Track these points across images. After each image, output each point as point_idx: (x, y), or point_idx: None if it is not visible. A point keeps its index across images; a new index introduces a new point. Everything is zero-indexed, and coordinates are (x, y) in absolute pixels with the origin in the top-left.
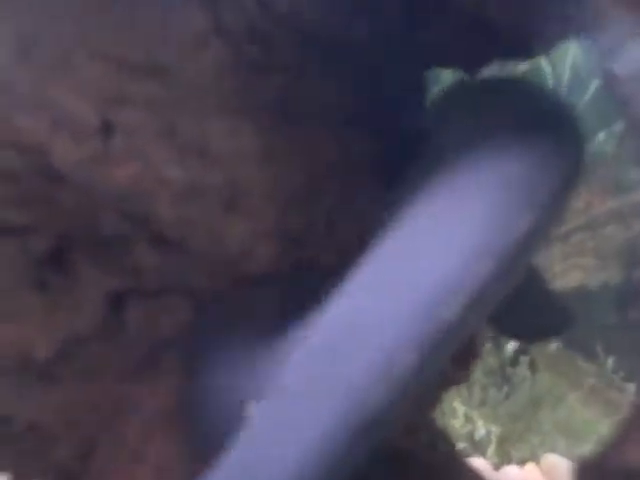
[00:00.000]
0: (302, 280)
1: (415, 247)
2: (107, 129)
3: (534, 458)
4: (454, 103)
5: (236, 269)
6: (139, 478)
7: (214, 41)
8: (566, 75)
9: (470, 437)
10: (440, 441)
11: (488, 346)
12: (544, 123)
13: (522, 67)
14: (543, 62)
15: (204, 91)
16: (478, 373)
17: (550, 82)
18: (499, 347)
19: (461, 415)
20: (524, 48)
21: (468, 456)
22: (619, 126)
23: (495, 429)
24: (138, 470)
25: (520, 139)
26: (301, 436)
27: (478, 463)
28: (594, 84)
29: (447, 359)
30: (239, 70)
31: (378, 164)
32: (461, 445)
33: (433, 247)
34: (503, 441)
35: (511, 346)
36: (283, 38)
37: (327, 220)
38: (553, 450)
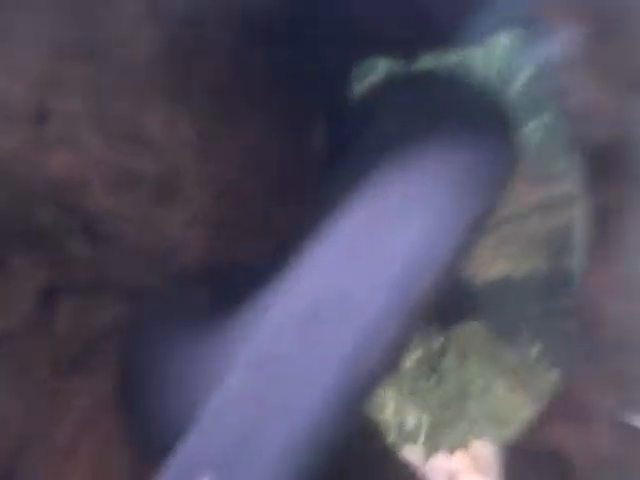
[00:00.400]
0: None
1: (373, 229)
2: (41, 115)
3: (463, 445)
4: (385, 95)
5: (172, 260)
6: (70, 476)
7: (149, 27)
8: (497, 66)
9: (401, 427)
10: (373, 435)
11: (417, 337)
12: (477, 115)
13: (454, 58)
14: (475, 53)
15: (139, 77)
16: (407, 364)
17: (481, 73)
18: (428, 337)
19: (391, 406)
20: (456, 39)
21: (399, 446)
22: (548, 117)
23: (425, 418)
24: (69, 468)
25: (454, 129)
26: (288, 413)
27: (409, 452)
28: (525, 75)
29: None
30: (174, 56)
31: (312, 154)
32: (392, 435)
33: (393, 231)
34: (433, 430)
35: (440, 336)
36: (218, 24)
37: (264, 208)
38: (481, 437)
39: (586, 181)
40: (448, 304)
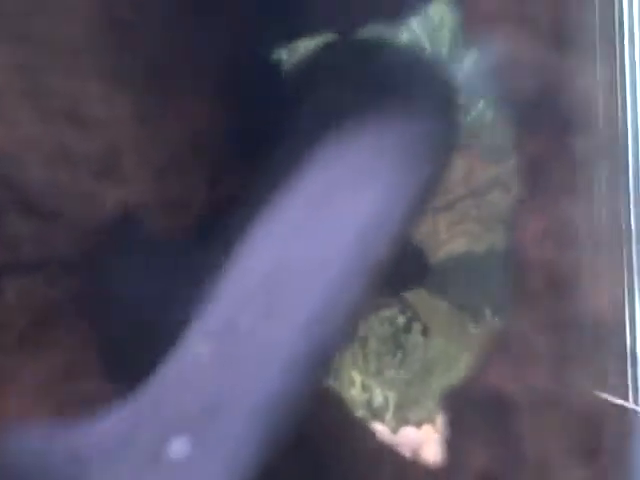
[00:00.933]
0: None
1: (322, 200)
2: None
3: (430, 420)
4: (322, 66)
5: (115, 237)
6: None
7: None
8: (446, 39)
9: (368, 404)
10: (339, 407)
11: (381, 315)
12: (419, 82)
13: (397, 30)
14: (420, 26)
15: (75, 52)
16: (373, 342)
17: (428, 46)
18: (392, 315)
19: (358, 384)
20: (397, 10)
21: (367, 422)
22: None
23: (392, 395)
24: None
25: (396, 96)
26: (252, 380)
27: (377, 428)
28: (475, 49)
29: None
30: (110, 30)
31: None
32: (360, 412)
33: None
34: (400, 406)
35: (404, 313)
36: None
37: (209, 182)
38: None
39: (515, 135)
40: (398, 271)
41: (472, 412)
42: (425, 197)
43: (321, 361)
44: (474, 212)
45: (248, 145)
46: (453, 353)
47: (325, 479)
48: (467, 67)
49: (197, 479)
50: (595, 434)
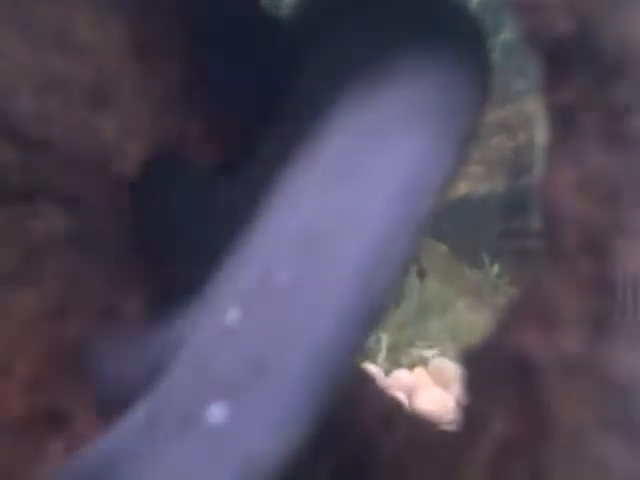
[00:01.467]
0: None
1: (362, 147)
2: None
3: (423, 363)
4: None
5: (108, 169)
6: (6, 394)
7: None
8: None
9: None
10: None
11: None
12: (445, 22)
13: None
14: None
15: None
16: None
17: None
18: None
19: None
20: None
21: (360, 364)
22: (506, 35)
23: (385, 337)
24: (5, 386)
25: (426, 37)
26: (300, 338)
27: (370, 369)
28: None
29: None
30: None
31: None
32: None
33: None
34: (393, 348)
35: None
36: None
37: (206, 116)
38: (441, 354)
39: (543, 79)
40: None
41: (495, 376)
42: (467, 144)
43: (370, 318)
44: (477, 155)
45: (252, 80)
46: (449, 296)
47: (338, 440)
48: (476, 9)
49: (240, 444)
50: (629, 403)
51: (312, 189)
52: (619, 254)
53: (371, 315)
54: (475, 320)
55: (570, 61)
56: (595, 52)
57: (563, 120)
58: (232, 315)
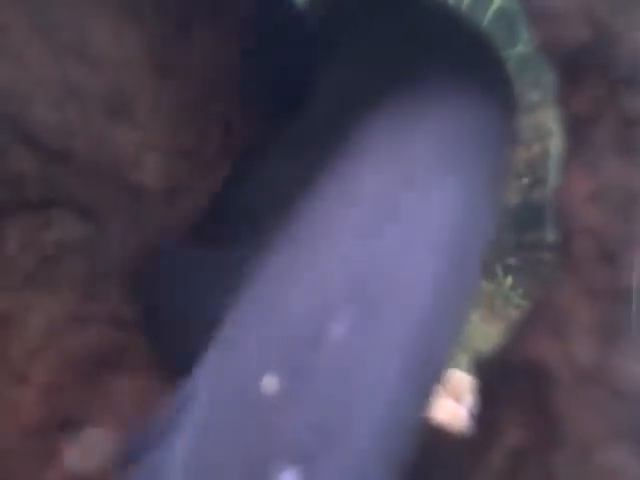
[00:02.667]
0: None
1: (402, 189)
2: None
3: None
4: (355, 14)
5: (124, 179)
6: (23, 399)
7: None
8: None
9: None
10: None
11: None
12: (469, 49)
13: None
14: None
15: None
16: None
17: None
18: None
19: None
20: None
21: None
22: (521, 47)
23: None
24: (22, 391)
25: (454, 67)
26: (365, 402)
27: None
28: (497, 2)
29: None
30: None
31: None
32: None
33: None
34: None
35: None
36: None
37: (222, 129)
38: (454, 366)
39: (559, 90)
40: None
41: (507, 384)
42: (504, 180)
43: (432, 377)
44: None
45: (267, 91)
46: None
47: None
48: (491, 20)
49: None
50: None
51: (353, 234)
52: (633, 264)
53: (433, 375)
54: (488, 331)
55: (585, 71)
56: (610, 62)
57: (578, 130)
58: (273, 381)
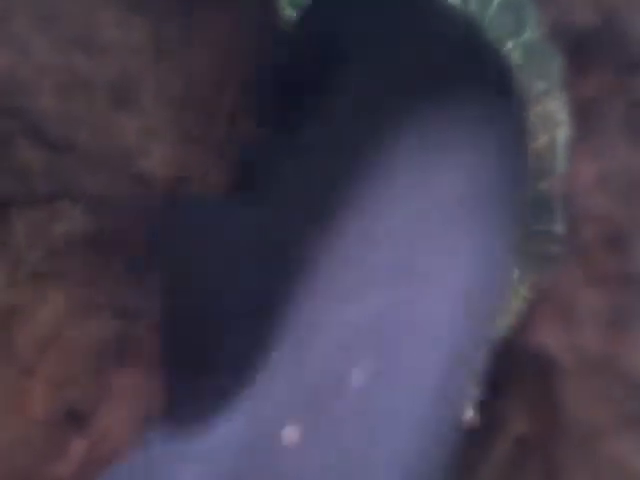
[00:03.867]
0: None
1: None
2: None
3: None
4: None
5: (130, 169)
6: (31, 392)
7: None
8: None
9: None
10: None
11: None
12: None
13: None
14: None
15: None
16: None
17: None
18: None
19: None
20: None
21: None
22: (527, 36)
23: None
24: (30, 384)
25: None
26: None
27: None
28: None
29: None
30: None
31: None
32: None
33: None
34: None
35: None
36: None
37: (228, 116)
38: None
39: (566, 75)
40: None
41: (513, 373)
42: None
43: (452, 426)
44: None
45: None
46: None
47: None
48: (497, 9)
49: None
50: None
51: (372, 281)
52: (638, 248)
53: (452, 419)
54: (498, 325)
55: (593, 54)
56: (618, 45)
57: (586, 115)
58: (292, 432)
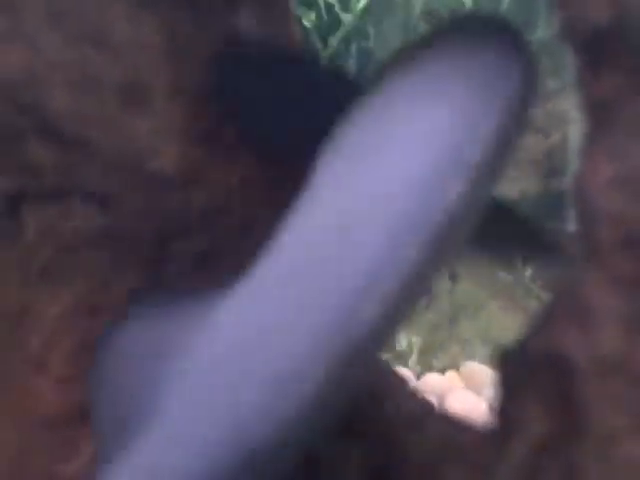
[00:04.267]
0: None
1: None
2: None
3: (455, 366)
4: None
5: (141, 168)
6: (40, 387)
7: None
8: None
9: (392, 348)
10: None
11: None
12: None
13: None
14: None
15: None
16: None
17: None
18: None
19: None
20: None
21: (391, 366)
22: (539, 34)
23: (416, 340)
24: (40, 379)
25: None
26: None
27: (401, 372)
28: None
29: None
30: None
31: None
32: (384, 356)
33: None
34: (424, 351)
35: None
36: None
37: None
38: (473, 358)
39: (580, 73)
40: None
41: (529, 376)
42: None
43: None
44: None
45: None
46: (481, 299)
47: (366, 440)
48: (510, 7)
49: None
50: None
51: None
52: None
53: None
54: (507, 323)
55: (608, 52)
56: (634, 43)
57: (599, 113)
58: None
